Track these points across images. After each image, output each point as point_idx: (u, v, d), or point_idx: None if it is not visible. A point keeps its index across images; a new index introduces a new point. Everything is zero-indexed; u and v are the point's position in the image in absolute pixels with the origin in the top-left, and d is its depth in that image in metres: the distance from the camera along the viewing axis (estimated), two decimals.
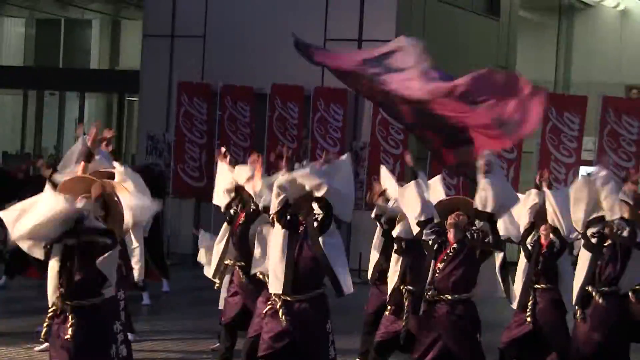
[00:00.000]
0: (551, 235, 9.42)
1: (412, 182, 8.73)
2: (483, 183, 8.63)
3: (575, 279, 9.41)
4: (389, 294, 9.64)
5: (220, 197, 10.41)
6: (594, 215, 9.35)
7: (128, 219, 7.65)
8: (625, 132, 15.98)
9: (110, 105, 25.88)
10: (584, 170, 17.03)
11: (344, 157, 8.76)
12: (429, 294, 8.44)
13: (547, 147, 16.26)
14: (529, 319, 9.38)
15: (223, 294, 10.26)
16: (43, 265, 7.16)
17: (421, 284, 8.56)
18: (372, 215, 10.14)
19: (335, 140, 17.47)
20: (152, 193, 8.60)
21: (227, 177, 10.51)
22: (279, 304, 8.17)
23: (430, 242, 8.45)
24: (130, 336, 9.44)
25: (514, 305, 9.40)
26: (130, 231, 8.81)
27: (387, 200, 10.12)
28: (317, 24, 18.08)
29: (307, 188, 8.28)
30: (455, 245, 8.39)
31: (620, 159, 16.00)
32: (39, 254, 7.07)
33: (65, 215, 6.92)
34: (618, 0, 24.05)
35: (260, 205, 9.36)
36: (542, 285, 9.44)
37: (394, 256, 9.65)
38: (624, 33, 24.26)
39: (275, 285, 8.20)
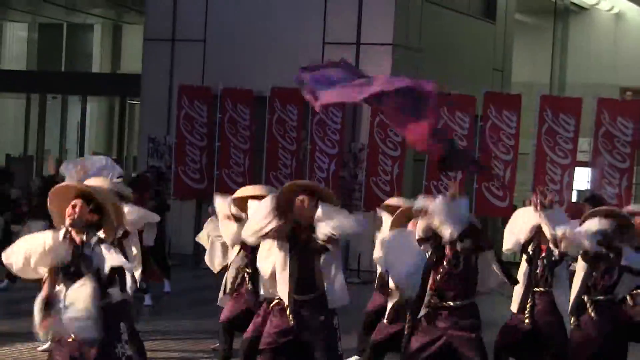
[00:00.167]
0: (550, 245, 9.41)
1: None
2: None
3: (572, 287, 9.39)
4: (389, 307, 9.65)
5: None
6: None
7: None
8: (620, 134, 15.97)
9: (112, 108, 25.88)
10: (579, 171, 17.07)
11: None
12: (431, 301, 8.45)
13: (543, 149, 16.25)
14: (527, 320, 9.37)
15: (222, 292, 10.25)
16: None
17: (421, 292, 8.56)
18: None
19: (334, 143, 17.46)
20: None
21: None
22: (286, 303, 8.15)
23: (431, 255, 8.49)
24: None
25: (514, 309, 9.41)
26: (129, 238, 8.87)
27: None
28: (316, 28, 18.08)
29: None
30: (451, 257, 8.42)
31: (614, 159, 15.99)
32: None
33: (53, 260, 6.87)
34: (612, 3, 24.03)
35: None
36: (541, 289, 9.44)
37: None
38: (618, 36, 24.25)
39: (282, 289, 8.19)
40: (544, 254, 9.42)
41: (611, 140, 15.97)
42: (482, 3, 20.85)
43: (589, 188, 16.41)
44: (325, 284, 8.15)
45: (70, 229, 6.86)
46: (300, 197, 8.11)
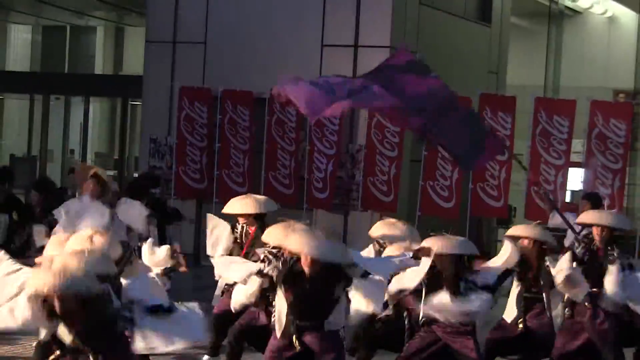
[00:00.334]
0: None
1: None
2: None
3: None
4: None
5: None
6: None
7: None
8: (613, 135, 15.95)
9: (114, 109, 25.85)
10: (573, 171, 17.05)
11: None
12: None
13: (537, 150, 16.24)
14: (520, 325, 9.37)
15: (220, 293, 10.24)
16: None
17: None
18: None
19: (332, 143, 17.45)
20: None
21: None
22: (292, 328, 8.07)
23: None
24: None
25: (507, 318, 9.43)
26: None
27: None
28: (314, 30, 18.07)
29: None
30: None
31: (608, 160, 15.98)
32: None
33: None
34: (606, 7, 24.03)
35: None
36: (531, 295, 9.46)
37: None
38: (612, 39, 24.25)
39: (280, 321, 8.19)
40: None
41: (604, 142, 15.96)
42: (478, 6, 20.84)
43: (582, 188, 16.39)
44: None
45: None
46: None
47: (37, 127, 24.50)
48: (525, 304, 9.45)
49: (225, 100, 18.00)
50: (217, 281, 10.36)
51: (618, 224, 9.48)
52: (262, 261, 8.44)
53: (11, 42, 27.43)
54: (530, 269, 9.34)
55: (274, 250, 8.19)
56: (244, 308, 9.52)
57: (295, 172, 17.64)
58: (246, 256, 9.68)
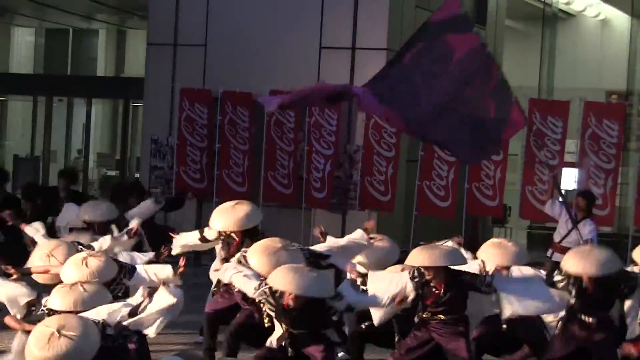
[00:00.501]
0: None
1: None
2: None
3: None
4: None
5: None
6: None
7: None
8: (606, 135, 15.94)
9: (116, 110, 25.81)
10: (566, 171, 17.04)
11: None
12: (423, 315, 8.46)
13: (532, 150, 16.22)
14: (504, 325, 9.33)
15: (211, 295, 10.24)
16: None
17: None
18: None
19: (330, 144, 17.42)
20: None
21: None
22: (286, 336, 8.15)
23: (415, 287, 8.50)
24: None
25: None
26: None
27: None
28: (313, 33, 18.04)
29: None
30: (443, 288, 8.43)
31: (600, 160, 15.96)
32: None
33: None
34: (599, 10, 23.99)
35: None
36: None
37: None
38: (604, 41, 24.21)
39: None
40: None
41: (597, 142, 15.94)
42: (473, 9, 20.80)
43: (576, 188, 16.38)
44: None
45: None
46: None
47: (40, 128, 24.47)
48: None
49: (225, 101, 17.98)
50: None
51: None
52: (239, 262, 8.60)
53: (15, 44, 27.38)
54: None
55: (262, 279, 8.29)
56: (239, 307, 9.52)
57: (293, 172, 17.62)
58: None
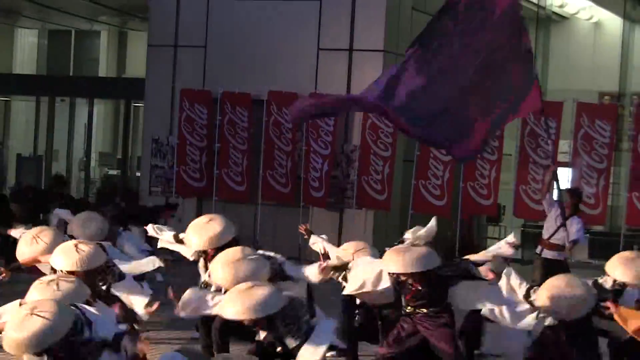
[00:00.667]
0: None
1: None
2: None
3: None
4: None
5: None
6: None
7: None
8: (598, 136, 15.95)
9: (118, 110, 25.81)
10: (560, 171, 17.03)
11: None
12: (406, 310, 8.45)
13: (526, 150, 16.22)
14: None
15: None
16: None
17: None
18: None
19: (327, 144, 17.42)
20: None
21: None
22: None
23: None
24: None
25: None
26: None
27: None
28: (311, 35, 18.03)
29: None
30: (420, 285, 8.37)
31: (593, 160, 15.98)
32: None
33: None
34: (592, 13, 23.99)
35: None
36: None
37: None
38: (597, 43, 24.21)
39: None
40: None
41: (590, 142, 15.96)
42: None
43: (569, 187, 16.38)
44: None
45: None
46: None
47: (43, 128, 24.48)
48: None
49: (225, 102, 17.98)
50: None
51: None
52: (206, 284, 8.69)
53: (18, 45, 27.37)
54: None
55: None
56: None
57: (292, 171, 17.61)
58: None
